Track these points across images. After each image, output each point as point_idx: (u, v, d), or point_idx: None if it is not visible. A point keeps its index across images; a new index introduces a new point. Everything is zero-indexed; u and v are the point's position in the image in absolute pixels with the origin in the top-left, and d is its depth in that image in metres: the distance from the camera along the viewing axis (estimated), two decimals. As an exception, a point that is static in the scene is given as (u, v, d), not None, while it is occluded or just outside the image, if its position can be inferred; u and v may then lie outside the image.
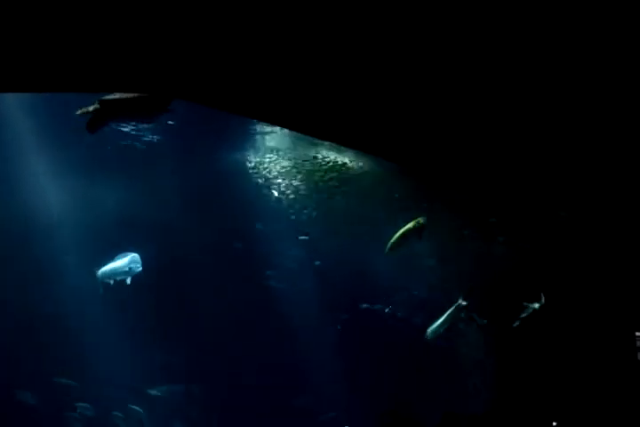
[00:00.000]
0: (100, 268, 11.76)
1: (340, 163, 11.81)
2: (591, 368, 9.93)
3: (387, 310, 12.39)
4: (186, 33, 3.68)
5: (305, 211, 12.24)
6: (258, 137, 11.44)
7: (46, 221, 12.14)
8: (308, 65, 4.00)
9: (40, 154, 11.39)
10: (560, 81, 3.98)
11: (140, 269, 11.62)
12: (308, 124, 5.10)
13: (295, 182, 12.11)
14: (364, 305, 12.47)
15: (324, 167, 11.80)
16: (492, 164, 5.12)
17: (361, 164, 11.74)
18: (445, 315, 11.38)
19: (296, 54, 3.89)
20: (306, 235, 12.30)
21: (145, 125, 10.23)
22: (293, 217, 12.35)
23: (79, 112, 7.65)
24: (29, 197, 11.99)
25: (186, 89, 4.43)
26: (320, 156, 11.74)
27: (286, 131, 10.45)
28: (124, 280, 11.59)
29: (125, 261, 11.68)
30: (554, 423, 9.66)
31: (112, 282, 11.72)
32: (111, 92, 6.87)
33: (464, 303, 11.29)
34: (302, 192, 12.16)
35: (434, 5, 3.44)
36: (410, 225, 10.90)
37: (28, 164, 11.60)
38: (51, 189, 12.02)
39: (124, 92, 6.67)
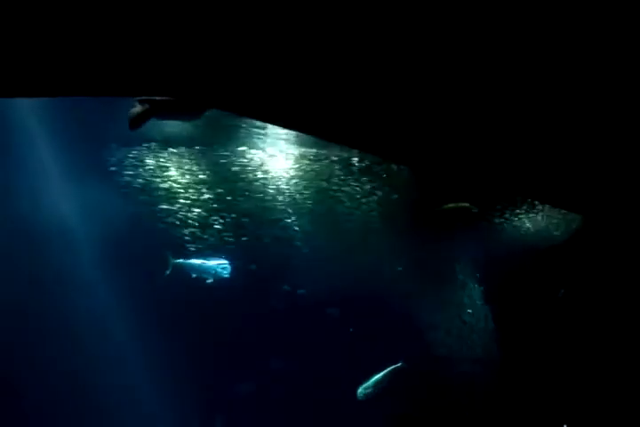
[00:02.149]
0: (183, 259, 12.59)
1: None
2: (603, 369, 9.93)
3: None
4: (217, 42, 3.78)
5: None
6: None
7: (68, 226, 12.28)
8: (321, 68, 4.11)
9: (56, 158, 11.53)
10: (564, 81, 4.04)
11: (227, 276, 12.43)
12: (319, 127, 5.19)
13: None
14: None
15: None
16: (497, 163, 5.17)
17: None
18: (381, 374, 11.30)
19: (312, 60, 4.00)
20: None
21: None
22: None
23: (131, 115, 7.79)
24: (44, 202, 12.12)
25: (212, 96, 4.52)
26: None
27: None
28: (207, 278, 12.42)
29: (215, 264, 12.55)
30: (564, 426, 9.69)
31: (193, 275, 12.49)
32: (138, 96, 7.03)
33: (403, 366, 11.23)
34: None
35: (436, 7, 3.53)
36: (464, 205, 10.58)
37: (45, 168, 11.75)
38: (65, 194, 12.15)
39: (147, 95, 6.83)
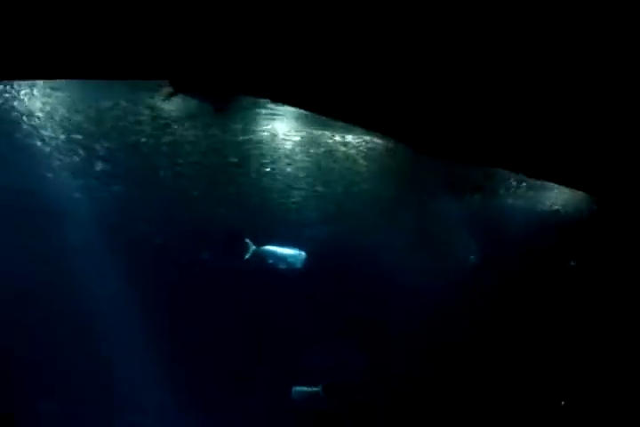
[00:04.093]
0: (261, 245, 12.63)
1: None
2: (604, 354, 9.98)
3: None
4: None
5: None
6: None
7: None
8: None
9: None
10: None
11: (299, 267, 12.50)
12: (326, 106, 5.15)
13: None
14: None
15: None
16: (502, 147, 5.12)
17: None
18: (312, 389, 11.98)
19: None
20: None
21: None
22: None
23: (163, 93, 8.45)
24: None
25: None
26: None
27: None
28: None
29: (290, 253, 12.64)
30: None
31: (270, 262, 12.59)
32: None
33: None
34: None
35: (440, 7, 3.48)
36: None
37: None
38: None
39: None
